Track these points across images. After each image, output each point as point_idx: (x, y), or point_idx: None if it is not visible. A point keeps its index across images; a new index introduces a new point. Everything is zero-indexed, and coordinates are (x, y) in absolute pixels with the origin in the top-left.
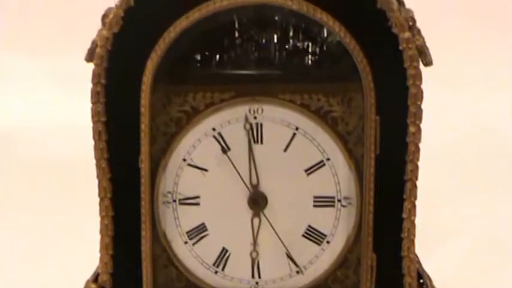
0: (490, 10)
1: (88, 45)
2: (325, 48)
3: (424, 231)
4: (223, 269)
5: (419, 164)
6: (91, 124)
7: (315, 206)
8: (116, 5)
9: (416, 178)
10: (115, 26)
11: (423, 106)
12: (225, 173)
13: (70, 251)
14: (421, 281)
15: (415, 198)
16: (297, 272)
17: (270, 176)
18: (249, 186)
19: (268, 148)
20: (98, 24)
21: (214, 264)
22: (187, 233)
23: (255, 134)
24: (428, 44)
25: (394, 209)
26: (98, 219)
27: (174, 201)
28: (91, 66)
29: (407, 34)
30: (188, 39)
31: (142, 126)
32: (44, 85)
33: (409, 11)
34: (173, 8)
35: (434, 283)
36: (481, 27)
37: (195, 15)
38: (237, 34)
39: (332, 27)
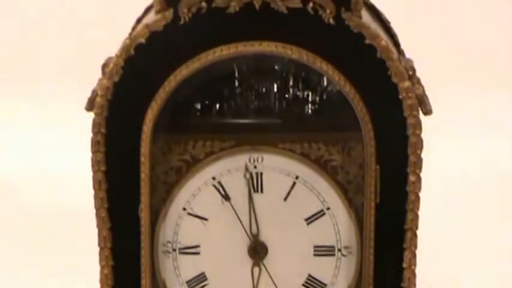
0: (488, 60)
1: (88, 94)
2: (325, 97)
3: (425, 280)
4: None
5: (420, 212)
6: (91, 173)
7: (315, 255)
8: (116, 55)
9: (417, 227)
10: (115, 75)
11: (423, 154)
12: (225, 222)
13: None
14: None
15: (416, 247)
16: None
17: (270, 225)
18: (249, 235)
19: (269, 197)
20: (98, 73)
21: None
22: (187, 282)
23: (255, 183)
24: (428, 93)
25: (394, 258)
26: (98, 268)
27: (174, 250)
28: (91, 115)
29: (407, 83)
30: (188, 88)
31: (142, 175)
32: (44, 134)
33: (408, 60)
34: (173, 58)
35: None
36: (480, 78)
37: (195, 64)
38: (237, 83)
39: (332, 76)
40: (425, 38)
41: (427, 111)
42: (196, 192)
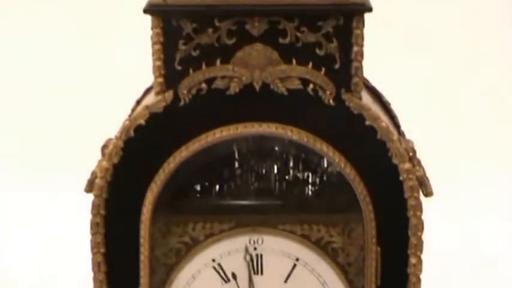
0: (484, 139)
1: (88, 175)
2: (325, 178)
3: None
4: None
5: None
6: (90, 255)
7: None
8: (115, 136)
9: None
10: (115, 156)
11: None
12: None
13: None
14: None
15: None
16: None
17: None
18: None
19: (269, 279)
20: (98, 155)
21: None
22: None
23: (255, 265)
24: (428, 175)
25: None
26: None
27: None
28: (90, 196)
29: (407, 165)
30: (188, 170)
31: (142, 257)
32: (42, 216)
33: (409, 141)
34: (173, 139)
35: None
36: (480, 158)
37: (194, 146)
38: (237, 164)
39: (332, 157)
40: (425, 120)
41: (428, 193)
42: (196, 274)
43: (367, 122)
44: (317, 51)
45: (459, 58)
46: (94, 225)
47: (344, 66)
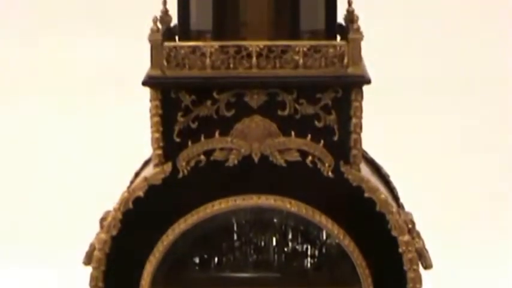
0: (484, 211)
1: (86, 248)
2: (324, 250)
3: None
4: None
5: None
6: None
7: None
8: (114, 208)
9: None
10: (113, 229)
11: None
12: None
13: None
14: None
15: None
16: None
17: None
18: None
19: None
20: (96, 227)
21: None
22: None
23: None
24: (427, 247)
25: None
26: None
27: None
28: (89, 269)
29: (406, 237)
30: (187, 242)
31: None
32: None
33: (408, 213)
34: (171, 211)
35: None
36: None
37: (193, 218)
38: (235, 237)
39: (331, 229)
40: (424, 192)
41: (428, 266)
42: None
43: (366, 194)
44: (316, 123)
45: (457, 134)
46: None
47: (343, 138)
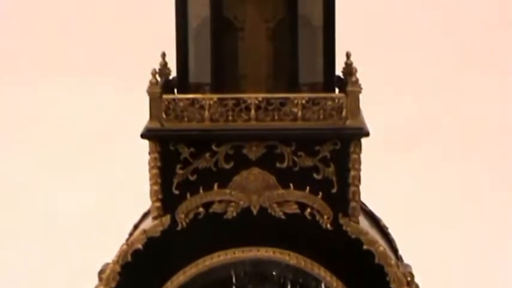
0: (484, 267)
1: None
2: None
3: None
4: None
5: None
6: None
7: None
8: (112, 261)
9: None
10: (112, 281)
11: None
12: None
13: None
14: None
15: None
16: None
17: None
18: None
19: None
20: (95, 280)
21: None
22: None
23: None
24: None
25: None
26: None
27: None
28: None
29: None
30: None
31: None
32: None
33: (407, 266)
34: (170, 263)
35: None
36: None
37: (192, 270)
38: None
39: (330, 282)
40: (423, 244)
41: None
42: None
43: (365, 247)
44: (314, 175)
45: (456, 186)
46: None
47: (341, 190)
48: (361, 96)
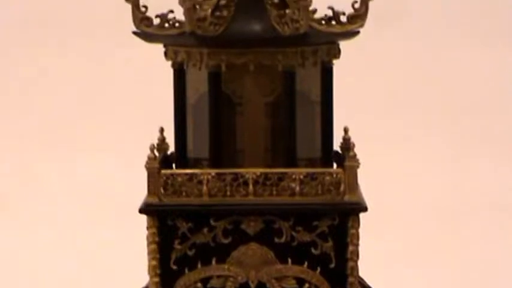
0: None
1: None
2: None
3: None
4: None
5: None
6: None
7: None
8: None
9: None
10: None
11: None
12: None
13: None
14: None
15: None
16: None
17: None
18: None
19: None
20: None
21: None
22: None
23: None
24: None
25: None
26: None
27: None
28: None
29: None
30: None
31: None
32: None
33: None
34: None
35: None
36: None
37: None
38: None
39: None
40: None
41: None
42: None
43: None
44: (312, 250)
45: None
46: None
47: (339, 265)
48: (359, 171)
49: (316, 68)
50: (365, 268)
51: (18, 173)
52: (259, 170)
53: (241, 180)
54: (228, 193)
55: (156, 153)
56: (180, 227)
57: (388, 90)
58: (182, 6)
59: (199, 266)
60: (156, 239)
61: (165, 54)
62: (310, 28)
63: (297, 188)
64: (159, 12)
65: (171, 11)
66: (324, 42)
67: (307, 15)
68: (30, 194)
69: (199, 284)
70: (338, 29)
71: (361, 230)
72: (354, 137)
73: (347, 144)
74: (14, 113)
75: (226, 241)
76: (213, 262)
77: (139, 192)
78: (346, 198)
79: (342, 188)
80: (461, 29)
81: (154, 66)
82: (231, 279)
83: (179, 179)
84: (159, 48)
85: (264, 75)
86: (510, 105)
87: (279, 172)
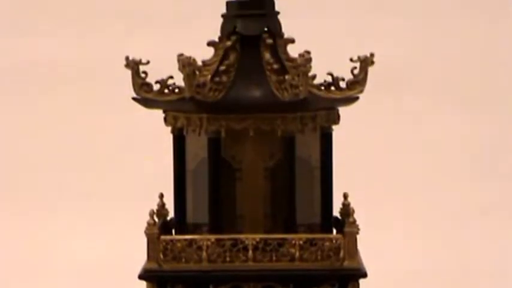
0: None
1: None
2: None
3: None
4: None
5: None
6: None
7: None
8: None
9: None
10: None
11: None
12: None
13: None
14: None
15: None
16: None
17: None
18: None
19: None
20: None
21: None
22: None
23: None
24: None
25: None
26: None
27: None
28: None
29: None
30: None
31: None
32: None
33: None
34: None
35: None
36: None
37: None
38: None
39: None
40: None
41: None
42: None
43: None
44: None
45: None
46: None
47: None
48: (358, 236)
49: (316, 134)
50: None
51: (18, 242)
52: (258, 236)
53: (240, 246)
54: (228, 259)
55: (156, 219)
56: None
57: (387, 156)
58: (182, 71)
59: None
60: None
61: (165, 119)
62: (310, 94)
63: (297, 254)
64: (158, 77)
65: (171, 77)
66: (323, 107)
67: (306, 81)
68: (31, 261)
69: None
70: (337, 95)
71: None
72: (353, 203)
73: (346, 210)
74: (10, 176)
75: None
76: None
77: (139, 258)
78: (346, 264)
79: (341, 254)
80: (459, 98)
81: (153, 132)
82: None
83: (179, 244)
84: (158, 114)
85: (263, 140)
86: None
87: (279, 238)
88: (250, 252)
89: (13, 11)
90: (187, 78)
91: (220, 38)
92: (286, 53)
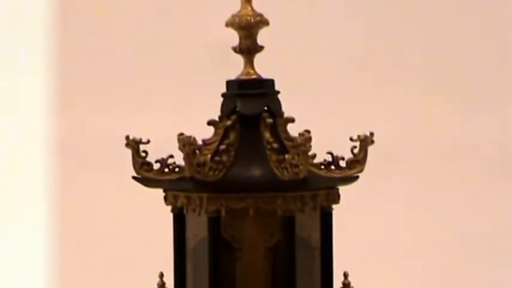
0: None
1: None
2: None
3: None
4: None
5: None
6: None
7: None
8: None
9: None
10: None
11: None
12: None
13: None
14: None
15: None
16: None
17: None
18: None
19: None
20: None
21: None
22: None
23: None
24: None
25: None
26: None
27: None
28: None
29: None
30: None
31: None
32: None
33: None
34: None
35: None
36: None
37: None
38: None
39: None
40: None
41: None
42: None
43: None
44: None
45: None
46: None
47: None
48: None
49: (316, 213)
50: None
51: None
52: None
53: None
54: None
55: None
56: None
57: (386, 237)
58: (182, 151)
59: None
60: None
61: (165, 198)
62: (310, 173)
63: None
64: (159, 157)
65: (171, 156)
66: (323, 187)
67: (306, 160)
68: None
69: None
70: (337, 174)
71: None
72: (353, 282)
73: None
74: None
75: None
76: None
77: None
78: None
79: None
80: (459, 170)
81: (153, 211)
82: None
83: None
84: (158, 193)
85: (263, 220)
86: None
87: None
88: None
89: None
90: (187, 157)
91: (220, 117)
92: (286, 132)
